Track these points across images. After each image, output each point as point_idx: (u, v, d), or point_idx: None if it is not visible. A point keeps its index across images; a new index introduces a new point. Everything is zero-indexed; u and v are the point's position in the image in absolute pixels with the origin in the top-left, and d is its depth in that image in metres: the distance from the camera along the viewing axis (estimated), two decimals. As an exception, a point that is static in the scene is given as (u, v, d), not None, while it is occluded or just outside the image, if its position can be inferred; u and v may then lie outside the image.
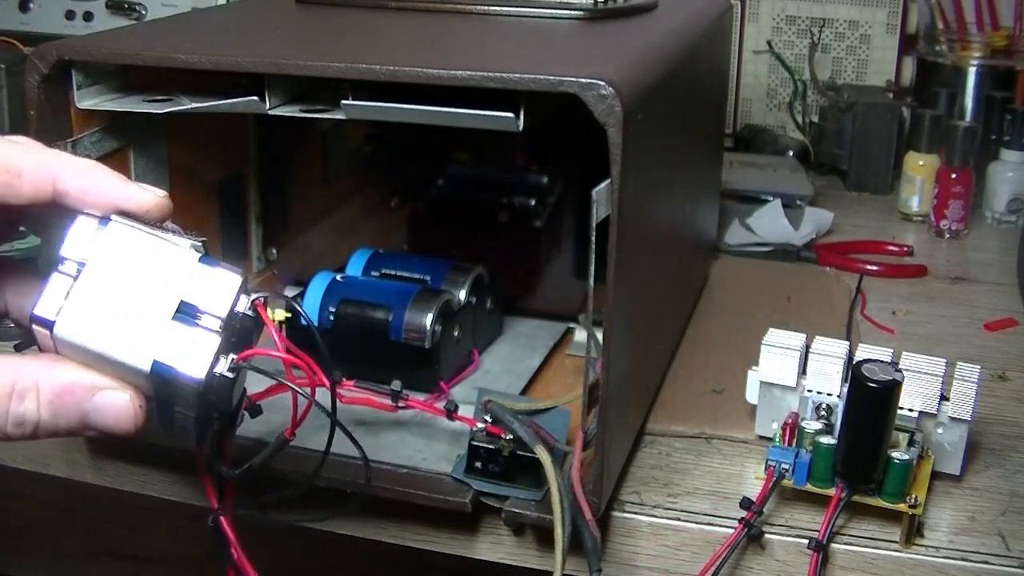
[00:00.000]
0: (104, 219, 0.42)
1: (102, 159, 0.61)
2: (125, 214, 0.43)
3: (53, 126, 0.57)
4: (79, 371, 0.41)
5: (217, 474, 0.48)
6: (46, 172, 0.42)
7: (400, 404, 0.59)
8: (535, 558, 0.58)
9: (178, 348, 0.40)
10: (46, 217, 0.44)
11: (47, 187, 0.42)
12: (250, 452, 0.50)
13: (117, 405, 0.41)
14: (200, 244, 0.43)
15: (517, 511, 0.54)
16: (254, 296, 0.43)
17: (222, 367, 0.41)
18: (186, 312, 0.41)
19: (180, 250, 0.43)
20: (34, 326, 0.41)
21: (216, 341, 0.41)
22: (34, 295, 0.41)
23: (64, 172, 0.43)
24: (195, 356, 0.40)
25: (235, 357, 0.42)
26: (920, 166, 1.04)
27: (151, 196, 0.44)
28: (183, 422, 0.43)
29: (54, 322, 0.40)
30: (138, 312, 0.40)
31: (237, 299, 0.42)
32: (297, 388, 0.45)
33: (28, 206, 0.43)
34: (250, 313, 0.43)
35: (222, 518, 0.50)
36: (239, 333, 0.43)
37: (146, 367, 0.40)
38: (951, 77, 1.17)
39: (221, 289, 0.42)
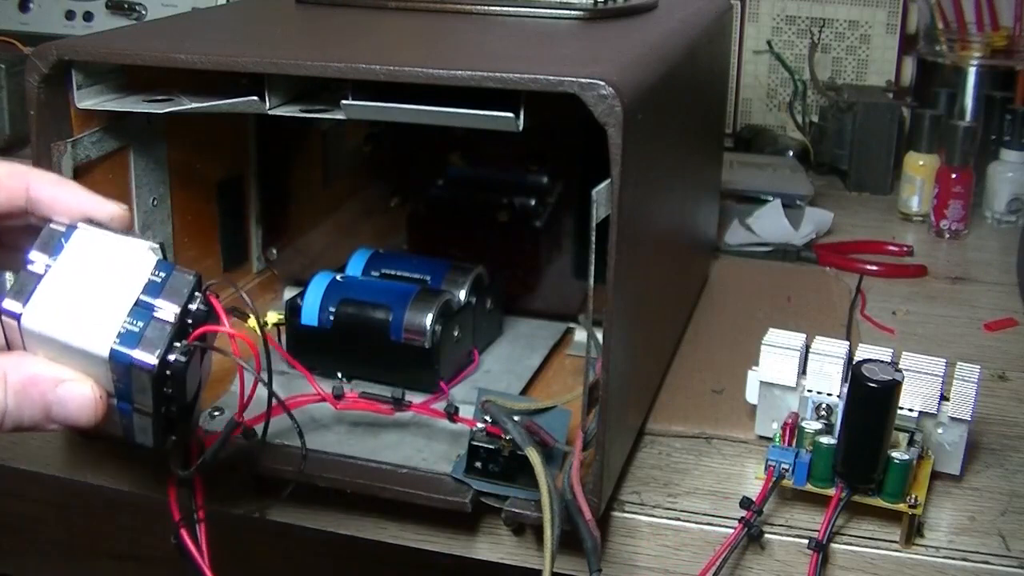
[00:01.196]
0: (71, 227, 0.46)
1: (102, 159, 0.61)
2: (92, 223, 0.46)
3: (53, 126, 0.57)
4: (45, 364, 0.44)
5: (176, 477, 0.50)
6: (20, 180, 0.46)
7: (402, 410, 0.59)
8: (535, 558, 0.58)
9: (135, 337, 0.43)
10: (15, 238, 0.47)
11: (21, 195, 0.46)
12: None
13: (79, 396, 0.43)
14: (158, 247, 0.46)
15: (517, 511, 0.54)
16: (207, 285, 0.46)
17: (175, 354, 0.44)
18: (143, 307, 0.44)
19: (139, 252, 0.46)
20: (3, 318, 0.43)
21: (169, 329, 0.44)
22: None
23: (36, 181, 0.46)
24: (149, 343, 0.43)
25: (186, 341, 0.44)
26: (920, 166, 1.04)
27: (116, 207, 0.47)
28: (142, 422, 0.45)
29: (21, 314, 0.43)
30: (100, 306, 0.43)
31: (191, 296, 0.45)
32: (241, 362, 0.47)
33: (2, 215, 0.46)
34: (203, 307, 0.45)
35: (183, 530, 0.51)
36: (194, 327, 0.45)
37: (105, 353, 0.43)
38: (951, 77, 1.17)
39: (176, 286, 0.45)
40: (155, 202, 0.66)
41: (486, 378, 0.68)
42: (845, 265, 0.93)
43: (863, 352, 0.59)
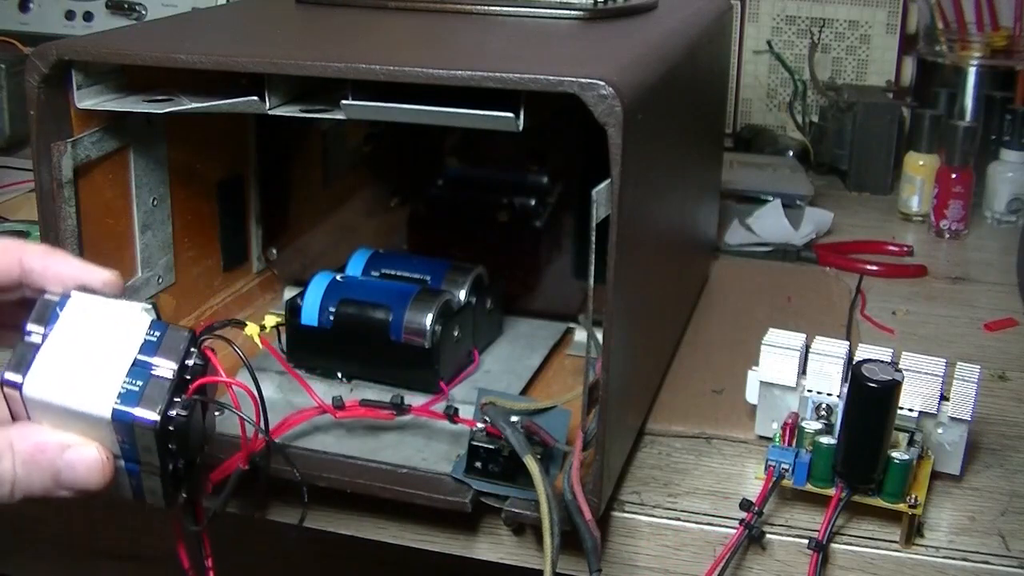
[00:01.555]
0: (65, 296, 0.47)
1: (102, 159, 0.61)
2: (85, 290, 0.47)
3: (53, 126, 0.57)
4: (50, 431, 0.45)
5: (189, 529, 0.51)
6: (12, 254, 0.47)
7: (402, 414, 0.60)
8: (535, 558, 0.58)
9: (135, 395, 0.44)
10: (11, 315, 0.49)
11: (15, 267, 0.47)
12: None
13: (87, 459, 0.44)
14: (151, 307, 0.47)
15: (517, 511, 0.54)
16: (202, 338, 0.47)
17: (176, 410, 0.44)
18: (141, 366, 0.45)
19: (133, 314, 0.47)
20: (5, 389, 0.44)
21: (168, 385, 0.44)
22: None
23: (28, 252, 0.48)
24: (150, 400, 0.44)
25: (184, 396, 0.45)
26: (920, 166, 1.04)
27: (107, 272, 0.48)
28: (151, 482, 0.46)
29: (22, 383, 0.44)
30: (98, 369, 0.44)
31: (187, 351, 0.46)
32: (241, 414, 0.48)
33: None
34: (200, 361, 0.46)
35: None
36: (193, 381, 0.46)
37: (107, 414, 0.43)
38: (951, 77, 1.17)
39: (171, 344, 0.46)
40: (155, 202, 0.66)
41: (486, 378, 0.68)
42: (845, 265, 0.93)
43: (863, 352, 0.59)
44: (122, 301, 0.47)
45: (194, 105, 0.59)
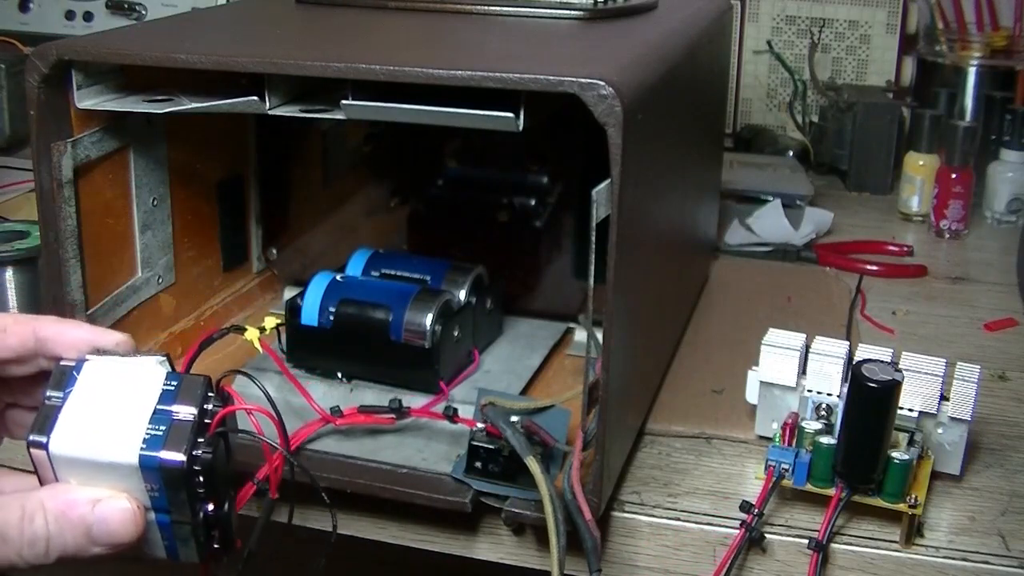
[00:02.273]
0: (81, 360, 0.48)
1: (102, 159, 0.61)
2: (99, 352, 0.49)
3: (53, 126, 0.57)
4: (80, 488, 0.45)
5: None
6: (27, 325, 0.49)
7: (402, 418, 0.60)
8: (535, 558, 0.58)
9: (159, 440, 0.45)
10: (27, 391, 0.51)
11: (30, 336, 0.49)
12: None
13: (118, 511, 0.45)
14: (165, 359, 0.49)
15: (517, 511, 0.54)
16: (219, 378, 0.48)
17: (200, 450, 0.45)
18: (162, 413, 0.46)
19: (149, 367, 0.48)
20: (32, 450, 0.45)
21: (191, 426, 0.45)
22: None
23: (42, 321, 0.49)
24: (175, 442, 0.45)
25: (207, 434, 0.46)
26: (920, 166, 1.04)
27: (119, 334, 0.50)
28: (183, 533, 0.47)
29: (48, 442, 0.45)
30: (121, 421, 0.45)
31: (204, 396, 0.46)
32: (266, 439, 0.49)
33: (14, 359, 0.49)
34: (219, 405, 0.47)
35: None
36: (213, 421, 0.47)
37: (134, 461, 0.44)
38: (951, 77, 1.17)
39: (189, 390, 0.47)
40: (155, 202, 0.66)
41: (486, 378, 0.68)
42: (845, 265, 0.93)
43: (863, 352, 0.59)
44: (137, 358, 0.49)
45: (194, 105, 0.59)
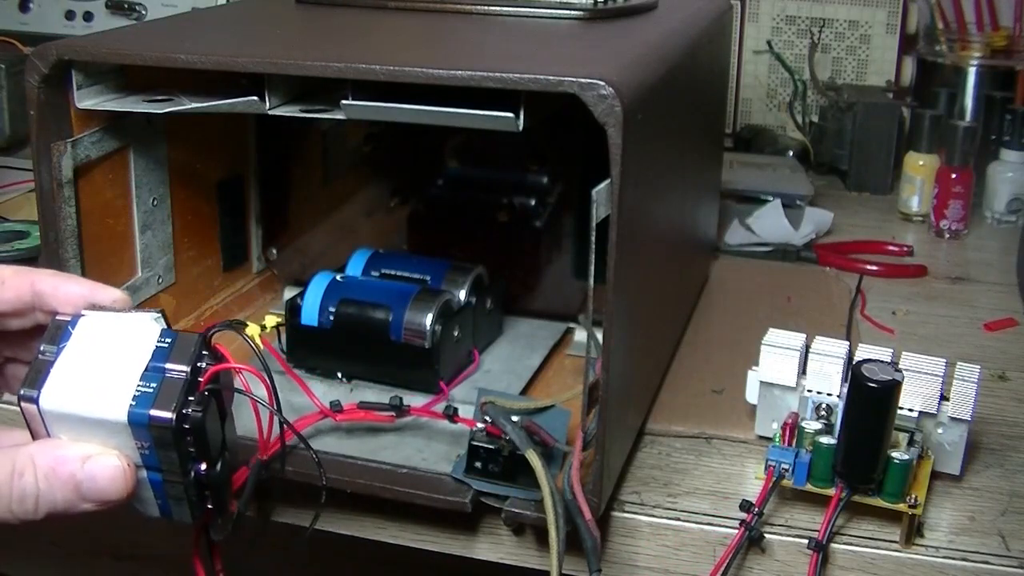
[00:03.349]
0: (77, 316, 0.48)
1: (102, 159, 0.61)
2: (95, 308, 0.48)
3: (53, 126, 0.57)
4: (70, 444, 0.45)
5: (208, 540, 0.51)
6: (24, 277, 0.49)
7: (402, 416, 0.60)
8: (535, 558, 0.58)
9: (149, 397, 0.44)
10: (23, 343, 0.51)
11: (27, 289, 0.49)
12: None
13: (108, 468, 0.45)
14: (160, 315, 0.48)
15: (517, 511, 0.54)
16: (211, 331, 0.47)
17: (190, 408, 0.45)
18: (155, 371, 0.45)
19: (144, 324, 0.48)
20: (23, 404, 0.45)
21: (181, 385, 0.45)
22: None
23: (39, 275, 0.49)
24: (164, 400, 0.44)
25: (198, 391, 0.46)
26: (920, 166, 1.04)
27: (117, 291, 0.50)
28: (175, 491, 0.46)
29: (38, 396, 0.45)
30: (112, 377, 0.45)
31: (198, 354, 0.46)
32: (255, 396, 0.48)
33: (12, 312, 0.49)
34: (212, 362, 0.46)
35: None
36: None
37: (123, 418, 0.44)
38: (951, 77, 1.17)
39: (183, 348, 0.46)
40: (155, 202, 0.66)
41: (486, 378, 0.68)
42: (845, 265, 0.93)
43: (863, 352, 0.59)
44: (132, 313, 0.48)
45: (194, 105, 0.59)
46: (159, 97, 0.60)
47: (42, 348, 0.46)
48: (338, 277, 0.69)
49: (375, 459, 0.58)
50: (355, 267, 0.72)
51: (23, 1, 1.31)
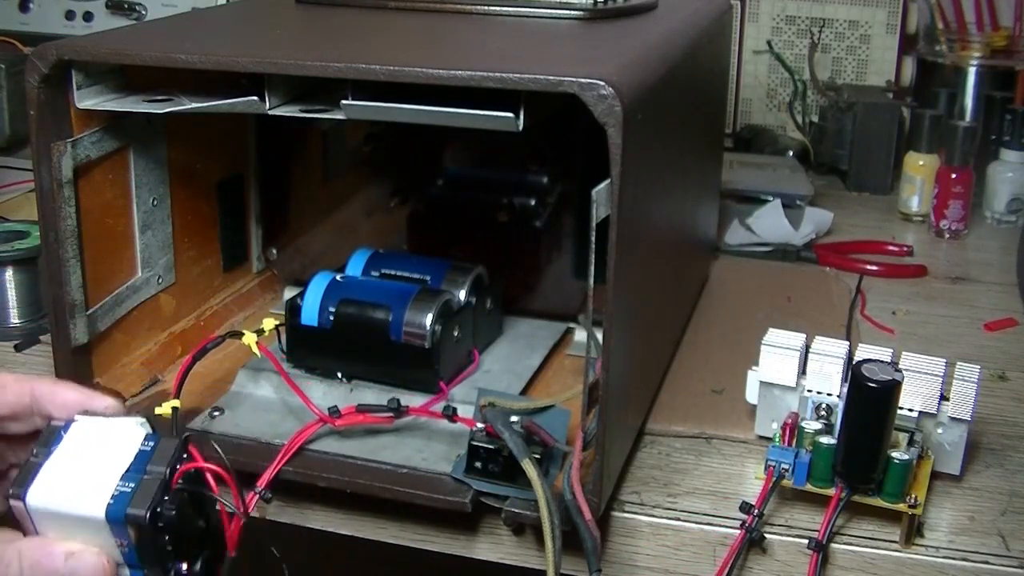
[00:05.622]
0: (70, 421, 0.51)
1: (102, 159, 0.61)
2: (88, 414, 0.51)
3: (53, 126, 0.57)
4: (56, 541, 0.48)
5: None
6: (24, 383, 0.52)
7: (400, 417, 0.60)
8: (535, 558, 0.58)
9: (127, 496, 0.47)
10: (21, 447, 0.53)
11: (26, 393, 0.52)
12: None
13: (88, 564, 0.47)
14: (146, 421, 0.51)
15: (517, 511, 0.54)
16: (185, 435, 0.50)
17: (164, 507, 0.47)
18: (135, 471, 0.48)
19: (130, 429, 0.50)
20: (11, 502, 0.48)
21: (158, 484, 0.47)
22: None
23: (38, 381, 0.52)
24: (140, 499, 0.47)
25: (171, 489, 0.48)
26: (920, 166, 1.04)
27: (110, 399, 0.52)
28: None
29: (25, 494, 0.48)
30: (95, 478, 0.48)
31: (178, 457, 0.49)
32: (220, 498, 0.50)
33: (11, 416, 0.52)
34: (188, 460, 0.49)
35: None
36: (185, 484, 0.49)
37: (101, 515, 0.47)
38: (951, 77, 1.17)
39: (164, 451, 0.49)
40: (155, 202, 0.66)
41: (486, 378, 0.68)
42: (845, 265, 0.93)
43: (863, 352, 0.59)
44: (121, 419, 0.51)
45: (194, 105, 0.59)
46: (159, 97, 0.60)
47: (34, 450, 0.49)
48: (338, 277, 0.69)
49: (375, 459, 0.58)
50: (355, 267, 0.72)
51: (23, 1, 1.31)
